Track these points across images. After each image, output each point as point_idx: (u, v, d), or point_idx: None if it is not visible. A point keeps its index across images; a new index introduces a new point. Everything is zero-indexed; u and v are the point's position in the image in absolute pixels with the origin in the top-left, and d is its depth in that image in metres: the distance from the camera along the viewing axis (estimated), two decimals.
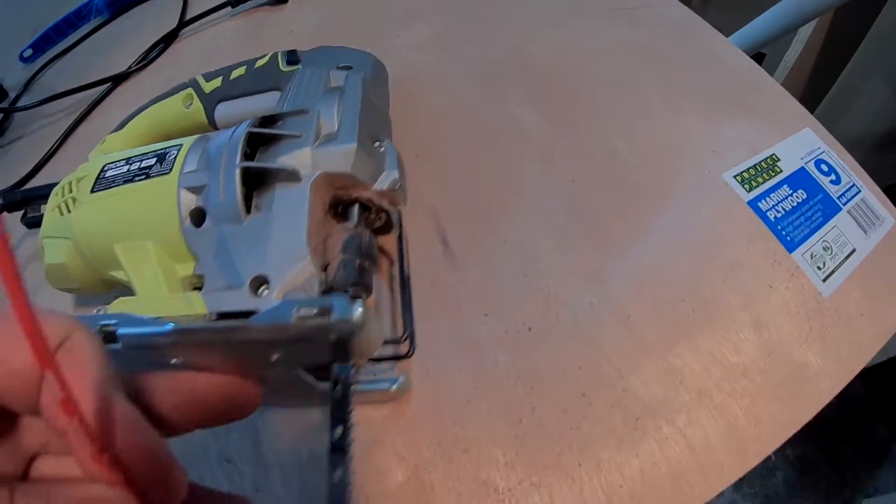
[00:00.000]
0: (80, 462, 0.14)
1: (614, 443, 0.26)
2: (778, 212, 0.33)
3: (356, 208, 0.27)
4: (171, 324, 0.19)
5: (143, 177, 0.27)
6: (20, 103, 0.55)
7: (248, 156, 0.26)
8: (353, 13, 0.49)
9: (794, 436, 0.27)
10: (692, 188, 0.34)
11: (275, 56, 0.33)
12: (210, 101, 0.34)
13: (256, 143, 0.27)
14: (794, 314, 0.30)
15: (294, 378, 0.21)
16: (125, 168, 0.28)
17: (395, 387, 0.26)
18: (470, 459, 0.26)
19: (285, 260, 0.23)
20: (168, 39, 0.51)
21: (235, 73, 0.34)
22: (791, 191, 0.34)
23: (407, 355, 0.28)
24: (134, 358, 0.20)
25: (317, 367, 0.21)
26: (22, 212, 0.35)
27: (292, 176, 0.25)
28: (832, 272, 0.31)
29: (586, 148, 0.36)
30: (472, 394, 0.27)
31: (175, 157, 0.27)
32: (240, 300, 0.23)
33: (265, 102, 0.33)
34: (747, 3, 0.79)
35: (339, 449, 0.19)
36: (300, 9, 0.50)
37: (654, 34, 0.43)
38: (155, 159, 0.27)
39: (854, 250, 0.32)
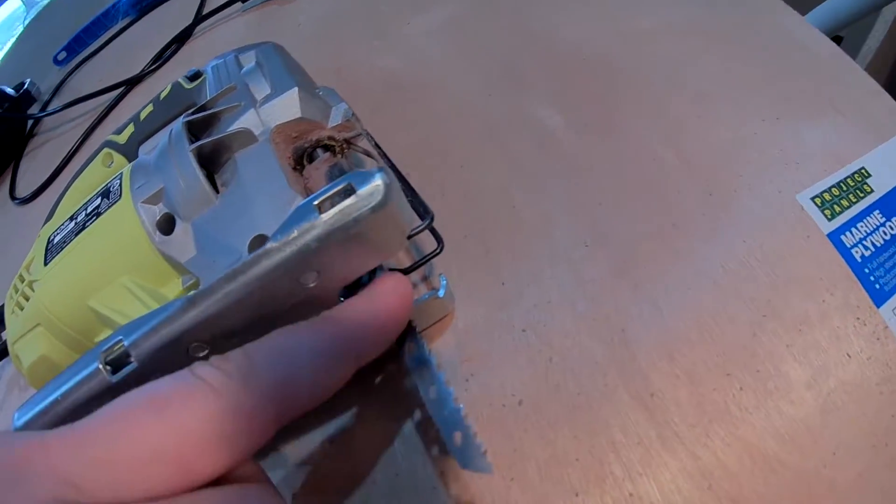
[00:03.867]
0: None
1: None
2: (866, 248, 0.26)
3: (320, 152, 0.25)
4: (183, 297, 0.17)
5: (94, 218, 0.25)
6: (50, 107, 0.56)
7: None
8: (364, 1, 0.45)
9: None
10: (756, 212, 0.27)
11: (175, 82, 0.33)
12: (130, 148, 0.33)
13: (196, 132, 0.25)
14: (874, 394, 0.22)
15: None
16: (72, 224, 0.26)
17: (442, 291, 0.23)
18: None
19: (275, 210, 0.21)
20: (181, 39, 0.51)
21: (144, 113, 0.34)
22: (884, 219, 0.27)
23: (437, 252, 0.24)
24: (156, 373, 0.17)
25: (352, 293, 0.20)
26: None
27: (247, 138, 0.23)
28: None
29: (622, 158, 0.30)
30: (440, 480, 0.23)
31: (120, 184, 0.25)
32: None
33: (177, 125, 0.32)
34: None
35: (422, 363, 0.18)
36: (310, 1, 0.47)
37: (713, 13, 0.36)
38: (100, 198, 0.26)
39: None
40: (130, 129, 0.33)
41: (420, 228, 0.22)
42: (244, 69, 0.28)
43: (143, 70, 0.49)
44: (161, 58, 0.50)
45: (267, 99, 0.25)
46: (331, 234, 0.16)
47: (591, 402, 0.23)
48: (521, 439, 0.22)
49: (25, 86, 0.57)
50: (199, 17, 0.51)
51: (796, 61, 0.33)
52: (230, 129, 0.24)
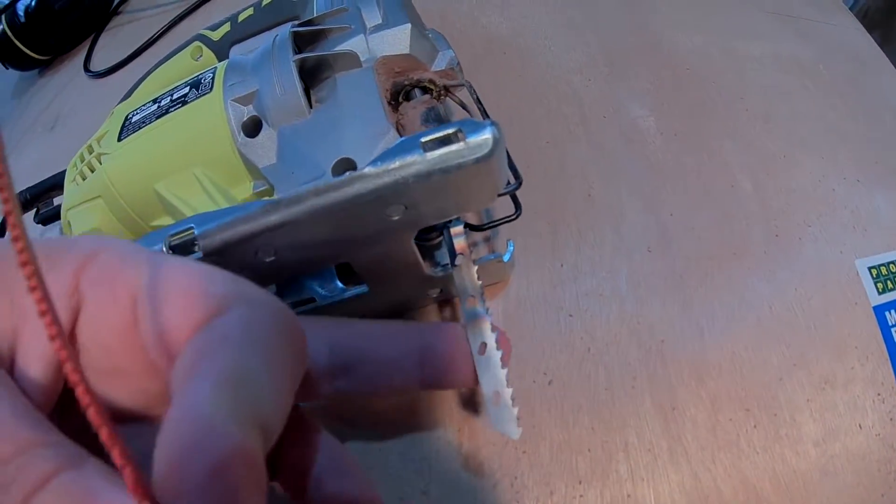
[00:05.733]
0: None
1: None
2: None
3: (417, 92, 0.25)
4: (266, 200, 0.17)
5: (179, 105, 0.25)
6: None
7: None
8: None
9: None
10: (814, 265, 0.27)
11: None
12: (222, 47, 0.33)
13: (300, 43, 0.25)
14: (873, 470, 0.23)
15: (402, 261, 0.20)
16: (154, 107, 0.26)
17: (507, 256, 0.24)
18: None
19: (367, 137, 0.21)
20: None
21: (243, 16, 0.33)
22: None
23: (514, 217, 0.24)
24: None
25: (426, 239, 0.22)
26: (34, 211, 0.33)
27: (352, 61, 0.24)
28: None
29: (703, 175, 0.30)
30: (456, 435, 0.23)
31: (213, 77, 0.25)
32: None
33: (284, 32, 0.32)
34: None
35: (479, 318, 0.18)
36: None
37: (822, 56, 0.36)
38: (188, 88, 0.26)
39: None
40: (226, 27, 0.33)
41: (509, 190, 0.22)
42: None
43: None
44: None
45: (378, 28, 0.25)
46: (430, 174, 0.16)
47: (616, 400, 0.23)
48: (542, 417, 0.23)
49: None
50: None
51: (891, 129, 0.32)
52: (338, 48, 0.24)
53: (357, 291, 0.22)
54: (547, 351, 0.24)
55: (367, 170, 0.16)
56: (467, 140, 0.16)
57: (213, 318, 0.11)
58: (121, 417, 0.13)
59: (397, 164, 0.16)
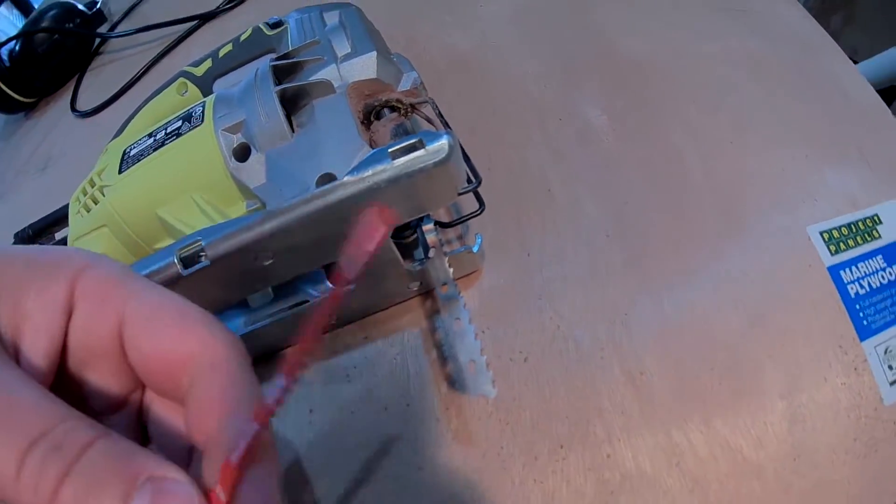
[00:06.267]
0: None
1: None
2: (861, 287, 0.28)
3: (386, 112, 0.27)
4: (262, 211, 0.20)
5: (174, 137, 0.27)
6: (119, 29, 0.58)
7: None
8: None
9: None
10: (766, 234, 0.29)
11: (256, 27, 0.35)
12: (205, 82, 0.35)
13: (279, 75, 0.28)
14: (842, 417, 0.25)
15: (384, 258, 0.23)
16: (150, 140, 0.28)
17: (476, 247, 0.26)
18: None
19: (345, 154, 0.23)
20: None
21: (223, 51, 0.35)
22: (885, 264, 0.29)
23: (478, 212, 0.27)
24: (221, 275, 0.21)
25: (402, 237, 0.24)
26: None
27: (327, 88, 0.26)
28: None
29: (655, 166, 0.32)
30: (444, 413, 0.26)
31: (203, 111, 0.28)
32: None
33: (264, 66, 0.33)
34: None
35: (452, 299, 0.21)
36: None
37: (770, 46, 0.38)
38: (181, 121, 0.28)
39: None
40: (208, 63, 0.36)
41: (469, 189, 0.25)
42: (328, 26, 0.31)
43: (217, 7, 0.52)
44: None
45: (347, 57, 0.27)
46: (398, 178, 0.19)
47: (587, 370, 0.26)
48: (521, 391, 0.26)
49: (98, 5, 0.59)
50: None
51: (837, 107, 0.34)
52: (313, 78, 0.26)
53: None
54: (521, 331, 0.27)
55: (346, 179, 0.19)
56: (427, 147, 0.19)
57: (203, 352, 0.14)
58: (94, 402, 0.16)
59: (370, 172, 0.19)
